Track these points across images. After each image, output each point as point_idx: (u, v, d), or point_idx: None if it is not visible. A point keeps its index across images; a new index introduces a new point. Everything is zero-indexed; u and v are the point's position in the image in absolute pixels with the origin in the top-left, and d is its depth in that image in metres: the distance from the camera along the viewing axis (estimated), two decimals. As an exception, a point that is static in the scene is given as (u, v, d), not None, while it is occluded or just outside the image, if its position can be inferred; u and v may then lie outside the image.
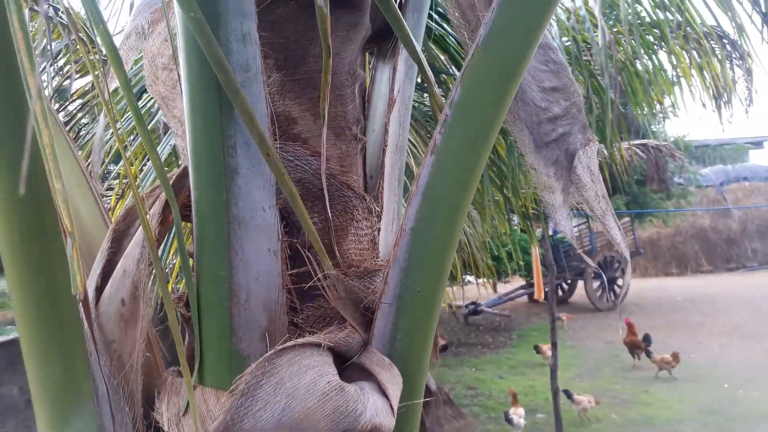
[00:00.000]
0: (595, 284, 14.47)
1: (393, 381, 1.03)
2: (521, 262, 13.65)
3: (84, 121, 4.13)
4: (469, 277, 11.61)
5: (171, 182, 1.16)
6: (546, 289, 15.73)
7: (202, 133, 1.10)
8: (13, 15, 0.81)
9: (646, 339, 9.50)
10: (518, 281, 15.66)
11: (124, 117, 3.48)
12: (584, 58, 3.74)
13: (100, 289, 1.22)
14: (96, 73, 1.72)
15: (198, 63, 1.06)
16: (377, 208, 1.28)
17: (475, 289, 12.48)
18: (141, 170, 3.93)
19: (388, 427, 0.93)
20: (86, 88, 4.12)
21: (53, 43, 3.44)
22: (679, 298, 15.26)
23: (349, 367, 1.08)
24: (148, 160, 4.05)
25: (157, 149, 3.50)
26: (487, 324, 14.22)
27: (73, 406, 1.13)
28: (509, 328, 13.74)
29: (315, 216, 1.18)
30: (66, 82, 3.74)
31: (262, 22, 1.12)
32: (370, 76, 1.41)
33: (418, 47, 1.09)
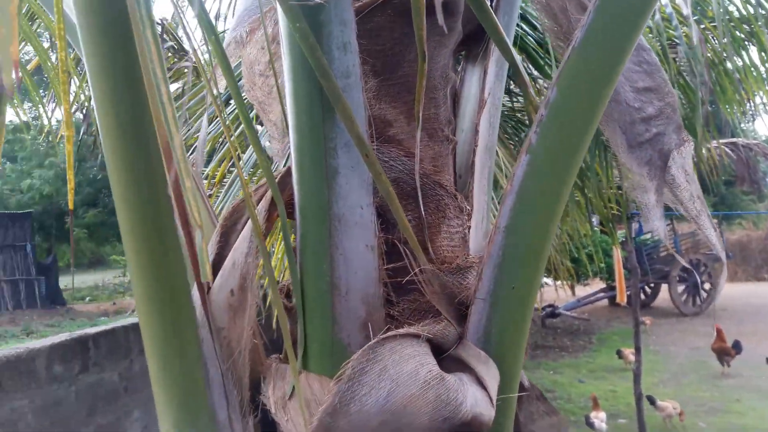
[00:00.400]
0: (680, 288, 13.88)
1: (490, 374, 1.06)
2: (602, 265, 13.28)
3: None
4: (546, 280, 11.40)
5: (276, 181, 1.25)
6: (629, 293, 15.23)
7: (306, 136, 1.17)
8: (148, 36, 0.91)
9: (736, 346, 9.04)
10: (597, 284, 15.22)
11: (214, 121, 3.66)
12: (671, 55, 3.63)
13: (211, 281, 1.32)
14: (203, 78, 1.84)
15: (302, 70, 1.14)
16: (468, 207, 1.32)
17: (553, 292, 12.24)
18: (227, 173, 4.12)
19: (488, 417, 0.97)
20: (175, 94, 4.35)
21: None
22: (773, 304, 14.40)
23: (444, 359, 1.13)
24: (232, 165, 4.24)
25: (245, 153, 3.66)
26: (565, 327, 13.91)
27: (189, 388, 1.23)
28: (588, 332, 13.38)
29: (409, 214, 1.23)
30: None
31: (360, 30, 1.18)
32: (459, 78, 1.45)
33: (513, 50, 1.12)
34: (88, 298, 19.67)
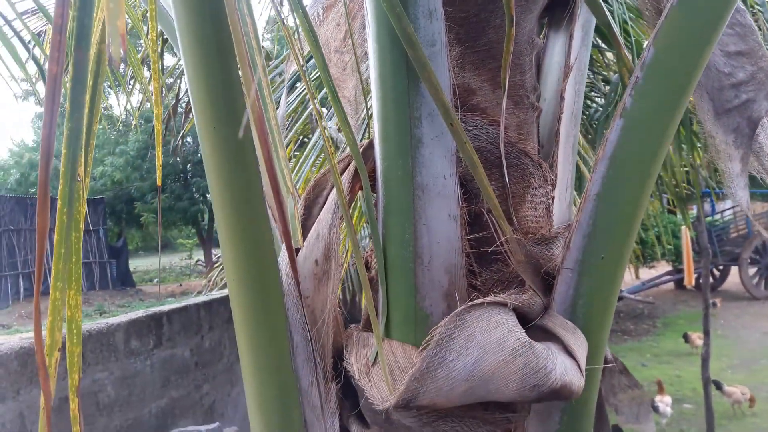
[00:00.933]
0: (751, 271, 13.32)
1: (578, 343, 1.05)
2: (669, 246, 12.87)
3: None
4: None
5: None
6: (697, 275, 14.72)
7: (391, 106, 1.17)
8: (243, 7, 0.92)
9: (815, 331, 8.62)
10: (663, 267, 14.77)
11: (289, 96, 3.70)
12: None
13: (295, 251, 1.35)
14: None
15: (387, 39, 1.14)
16: (552, 177, 1.29)
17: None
18: (294, 155, 4.17)
19: (578, 386, 0.96)
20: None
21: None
22: None
23: (530, 329, 1.12)
24: (297, 148, 4.29)
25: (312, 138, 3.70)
26: (629, 311, 13.58)
27: (274, 353, 1.26)
28: (653, 316, 13.03)
29: (493, 183, 1.22)
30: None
31: (445, -3, 1.17)
32: (542, 45, 1.42)
33: (606, 11, 1.09)
34: (155, 280, 20.49)
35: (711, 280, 14.73)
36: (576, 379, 0.96)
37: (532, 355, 0.96)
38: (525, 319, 1.13)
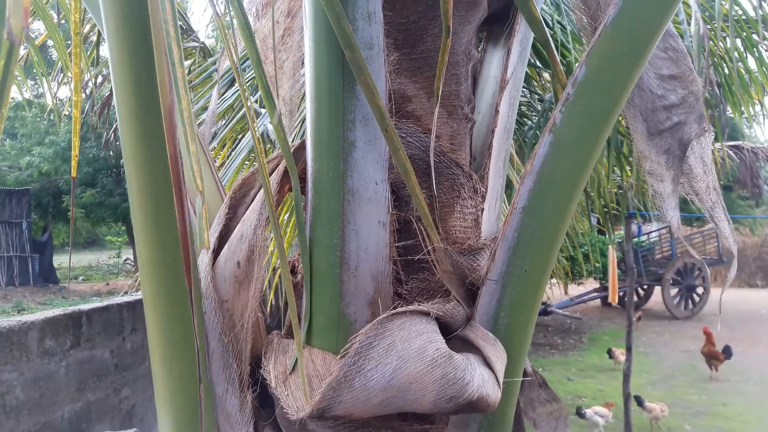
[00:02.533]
0: (673, 291, 13.93)
1: (498, 355, 1.05)
2: (597, 264, 13.32)
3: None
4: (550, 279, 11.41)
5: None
6: (622, 293, 15.26)
7: (325, 108, 1.15)
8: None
9: (727, 351, 9.10)
10: (591, 284, 15.27)
11: (222, 97, 3.62)
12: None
13: (216, 253, 1.30)
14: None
15: (325, 39, 1.11)
16: (482, 189, 1.29)
17: (547, 290, 12.25)
18: (228, 156, 4.08)
19: (494, 399, 0.95)
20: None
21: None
22: (763, 311, 14.47)
23: (452, 339, 1.11)
24: (234, 147, 4.19)
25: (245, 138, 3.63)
26: (557, 325, 13.95)
27: (188, 359, 1.21)
28: (579, 331, 13.43)
29: (424, 192, 1.21)
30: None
31: (385, 1, 1.15)
32: (479, 58, 1.43)
33: (545, 28, 1.10)
34: (81, 278, 19.64)
35: (636, 298, 15.34)
36: (493, 392, 0.95)
37: (451, 366, 0.95)
38: (447, 329, 1.12)
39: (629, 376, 6.71)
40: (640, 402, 7.03)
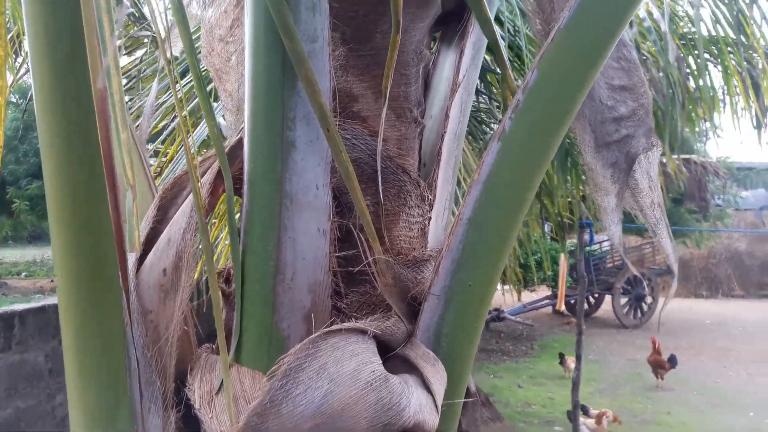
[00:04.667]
0: (623, 300, 14.21)
1: (437, 377, 0.98)
2: (549, 272, 13.50)
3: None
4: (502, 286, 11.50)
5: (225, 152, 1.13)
6: (572, 301, 15.47)
7: (263, 103, 1.06)
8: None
9: (672, 360, 9.30)
10: (544, 291, 15.46)
11: (167, 92, 3.47)
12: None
13: (141, 258, 1.19)
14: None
15: (265, 30, 1.02)
16: (430, 197, 1.23)
17: (500, 296, 12.35)
18: (177, 152, 3.93)
19: (431, 425, 0.88)
20: (129, 67, 4.14)
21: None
22: (708, 321, 14.92)
23: (391, 358, 1.04)
24: (181, 146, 4.05)
25: (196, 129, 3.49)
26: (509, 332, 14.07)
27: (108, 380, 1.11)
28: (531, 338, 13.57)
29: (368, 198, 1.13)
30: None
31: (332, -9, 1.07)
32: (432, 60, 1.36)
33: (497, 29, 1.04)
34: (24, 274, 18.88)
35: (586, 306, 15.60)
36: (430, 418, 0.88)
37: (387, 391, 0.87)
38: (387, 347, 1.05)
39: (578, 384, 6.76)
40: (585, 410, 7.10)
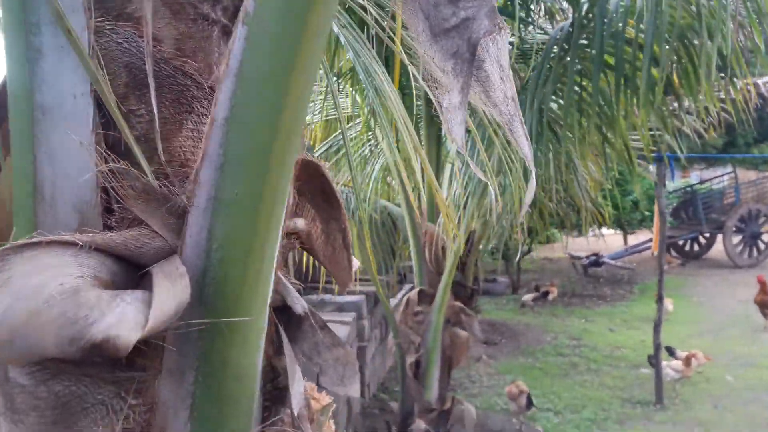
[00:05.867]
0: (736, 239, 13.09)
1: (170, 293, 0.88)
2: (647, 213, 12.67)
3: None
4: (599, 230, 10.98)
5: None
6: (680, 242, 14.49)
7: (6, 6, 0.99)
8: None
9: (783, 300, 8.48)
10: (644, 234, 14.58)
11: None
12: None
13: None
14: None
15: None
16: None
17: (605, 241, 11.79)
18: None
19: (124, 340, 0.79)
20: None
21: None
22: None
23: (147, 275, 0.95)
24: None
25: None
26: (609, 276, 13.45)
27: None
28: (632, 282, 12.89)
29: (143, 107, 1.03)
30: None
31: None
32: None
33: None
34: None
35: (697, 247, 14.53)
36: (125, 333, 0.79)
37: (72, 304, 0.79)
38: (138, 263, 0.96)
39: (660, 326, 6.36)
40: (671, 352, 6.66)
